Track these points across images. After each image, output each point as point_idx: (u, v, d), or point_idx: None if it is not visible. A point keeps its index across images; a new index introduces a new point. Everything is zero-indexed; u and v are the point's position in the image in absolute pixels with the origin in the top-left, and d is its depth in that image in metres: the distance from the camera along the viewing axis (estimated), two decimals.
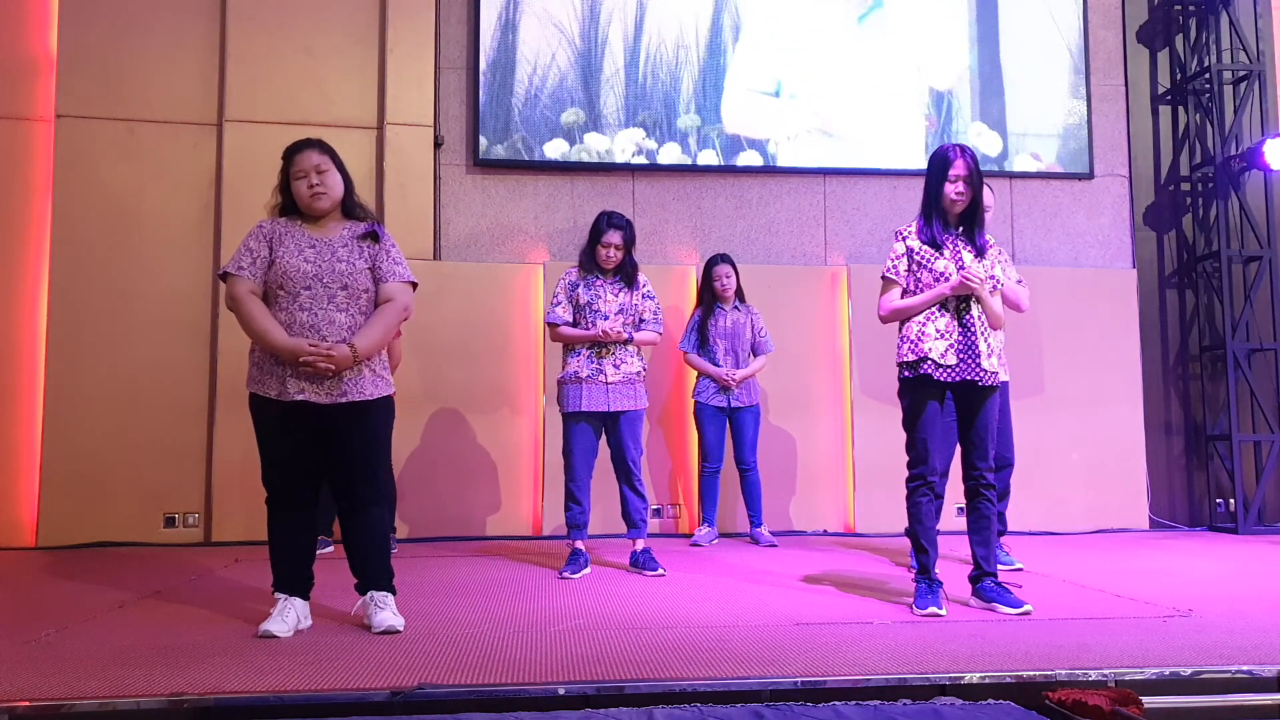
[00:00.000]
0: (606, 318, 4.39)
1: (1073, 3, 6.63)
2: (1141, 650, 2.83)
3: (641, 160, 6.19)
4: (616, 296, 4.43)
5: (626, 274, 4.47)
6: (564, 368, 4.45)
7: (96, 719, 2.34)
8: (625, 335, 4.38)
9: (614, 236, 4.41)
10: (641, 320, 4.48)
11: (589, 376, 4.36)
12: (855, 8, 6.43)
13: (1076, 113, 6.58)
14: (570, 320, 4.44)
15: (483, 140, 6.07)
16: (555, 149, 6.12)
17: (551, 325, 4.47)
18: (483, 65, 6.11)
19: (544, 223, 6.15)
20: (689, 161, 6.23)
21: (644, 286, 4.52)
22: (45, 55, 5.77)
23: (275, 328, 3.08)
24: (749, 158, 6.27)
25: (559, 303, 4.45)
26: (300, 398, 3.08)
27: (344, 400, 3.13)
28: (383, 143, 5.95)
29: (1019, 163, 6.48)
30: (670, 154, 6.20)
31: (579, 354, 4.41)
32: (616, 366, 4.38)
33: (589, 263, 4.47)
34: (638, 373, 4.44)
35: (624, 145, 6.18)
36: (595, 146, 6.15)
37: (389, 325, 3.20)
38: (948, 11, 6.50)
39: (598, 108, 6.18)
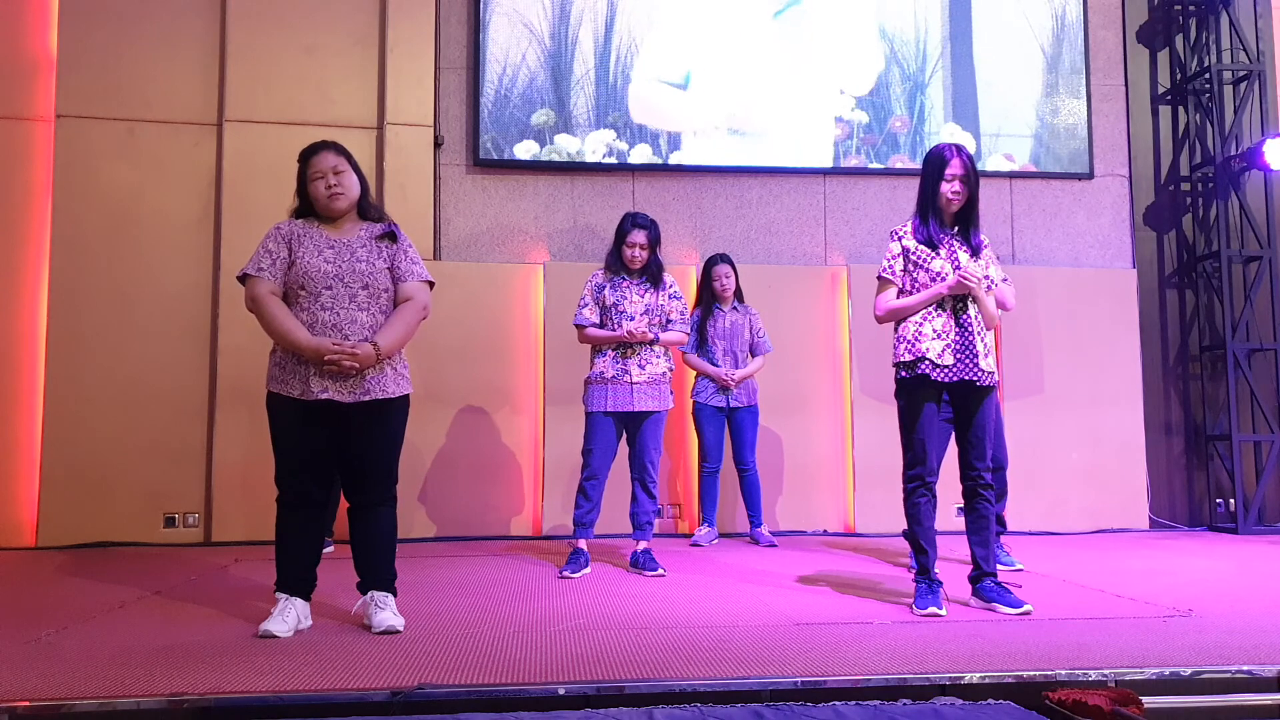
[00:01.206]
0: (632, 319, 4.41)
1: (1045, 3, 6.62)
2: (1141, 650, 2.83)
3: (612, 161, 6.17)
4: (642, 298, 4.45)
5: (652, 274, 4.50)
6: (591, 368, 4.49)
7: (96, 719, 2.35)
8: (650, 336, 4.40)
9: (638, 236, 4.44)
10: (669, 321, 4.50)
11: (614, 377, 4.39)
12: (771, 3, 6.39)
13: (1050, 112, 6.56)
14: (597, 322, 4.47)
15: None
16: (525, 150, 6.10)
17: (579, 327, 4.50)
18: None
19: (544, 223, 6.15)
20: (660, 162, 6.21)
21: (670, 287, 4.54)
22: (45, 55, 5.77)
23: (298, 328, 3.10)
24: (743, 150, 6.25)
25: (585, 304, 4.49)
26: (325, 396, 3.10)
27: (367, 399, 3.15)
28: (383, 143, 5.95)
29: (991, 163, 6.45)
30: (641, 155, 6.18)
31: (605, 355, 4.44)
32: (641, 367, 4.40)
33: (615, 264, 4.50)
34: (663, 374, 4.46)
35: (594, 146, 6.16)
36: (566, 147, 6.12)
37: (410, 323, 3.23)
38: (861, 14, 6.44)
39: (568, 108, 6.16)
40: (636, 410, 4.40)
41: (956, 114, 6.48)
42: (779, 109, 6.31)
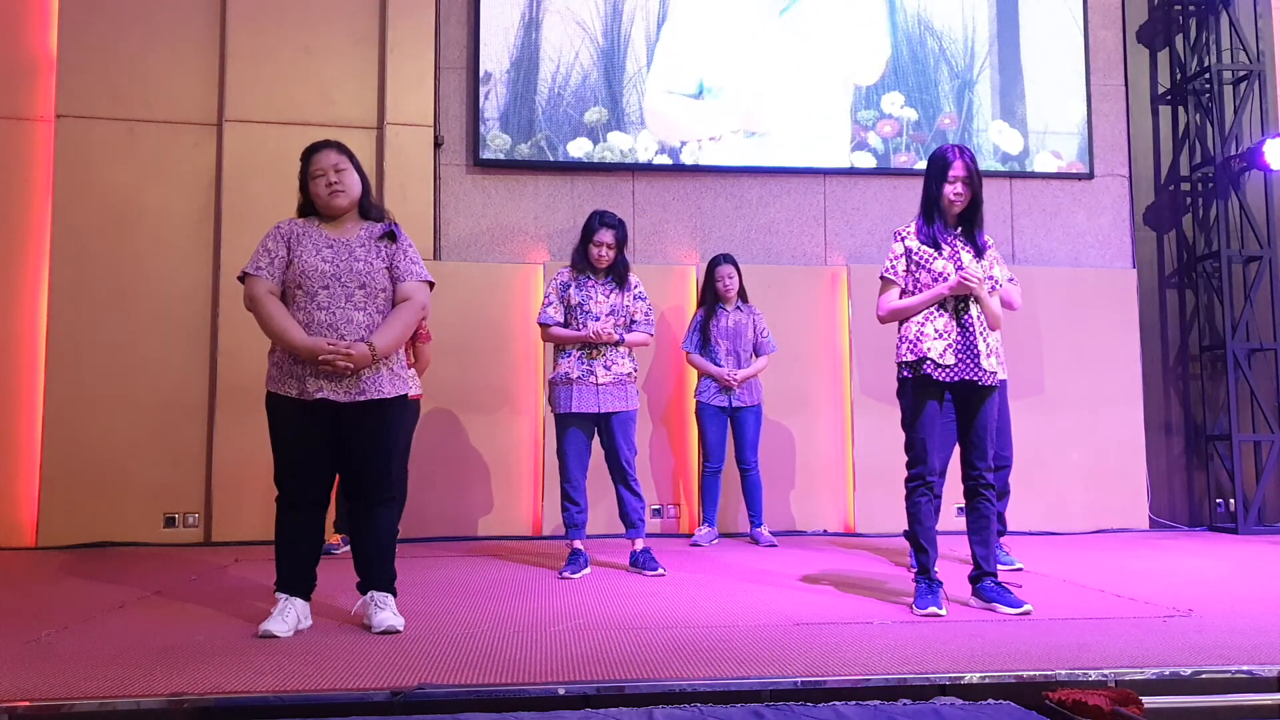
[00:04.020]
0: (597, 318, 4.39)
1: None
2: (1141, 650, 2.83)
3: (665, 159, 6.19)
4: (608, 297, 4.43)
5: (618, 274, 4.46)
6: (555, 368, 4.45)
7: (96, 719, 2.35)
8: (616, 336, 4.38)
9: (606, 235, 4.41)
10: (633, 321, 4.48)
11: (579, 377, 4.36)
12: (775, 3, 6.39)
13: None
14: (561, 321, 4.44)
15: (506, 139, 6.09)
16: (579, 148, 6.13)
17: (542, 326, 4.47)
18: (505, 64, 6.12)
19: (544, 223, 6.15)
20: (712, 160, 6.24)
21: (635, 287, 4.51)
22: (45, 55, 5.77)
23: (294, 327, 3.10)
24: (760, 152, 6.26)
25: (550, 303, 4.46)
26: (320, 396, 3.10)
27: (362, 399, 3.14)
28: (383, 143, 5.95)
29: (1040, 161, 6.49)
30: (692, 154, 6.22)
31: (569, 355, 4.41)
32: (607, 368, 4.38)
33: (581, 262, 4.47)
34: (628, 374, 4.44)
35: (646, 144, 6.18)
36: (619, 145, 6.15)
37: (407, 323, 3.23)
38: (867, 4, 6.46)
39: (621, 106, 6.19)
40: (603, 411, 4.37)
41: (1004, 111, 6.51)
42: (798, 108, 6.31)
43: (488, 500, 5.83)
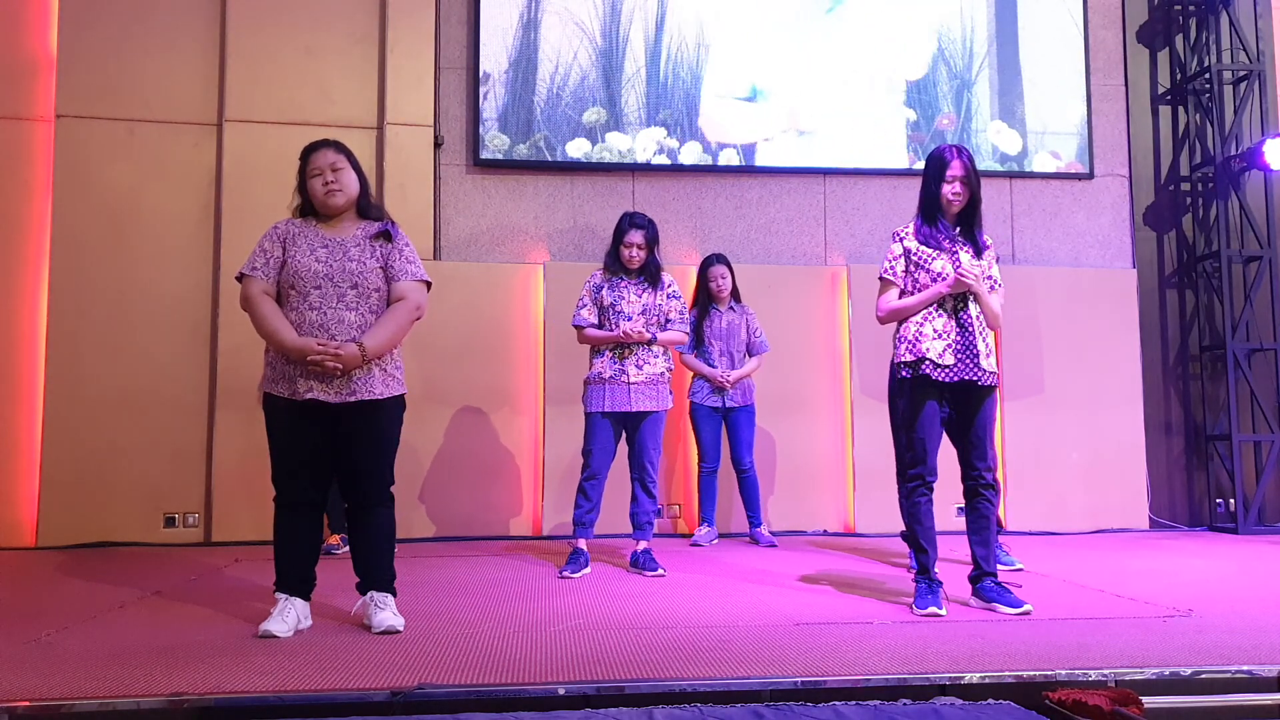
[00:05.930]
0: (629, 319, 4.41)
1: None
2: (1141, 650, 2.83)
3: (663, 160, 6.19)
4: (640, 297, 4.46)
5: (650, 274, 4.50)
6: (590, 368, 4.49)
7: (96, 719, 2.35)
8: (647, 336, 4.41)
9: (636, 236, 4.44)
10: (667, 320, 4.51)
11: (612, 377, 4.39)
12: (821, 2, 6.42)
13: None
14: (595, 322, 4.48)
15: (505, 139, 6.09)
16: (577, 148, 6.14)
17: (577, 328, 4.51)
18: (504, 64, 6.13)
19: (544, 223, 6.15)
20: (710, 161, 6.24)
21: (669, 286, 4.54)
22: (45, 55, 5.77)
23: (285, 328, 3.10)
24: (811, 152, 6.31)
25: (584, 305, 4.49)
26: (310, 396, 3.09)
27: (353, 399, 3.14)
28: (383, 143, 5.95)
29: (1038, 161, 6.49)
30: (691, 153, 6.22)
31: (603, 355, 4.45)
32: (639, 367, 4.40)
33: (613, 264, 4.51)
34: (661, 373, 4.46)
35: (645, 144, 6.19)
36: (617, 145, 6.16)
37: (400, 324, 3.21)
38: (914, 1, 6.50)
39: (619, 106, 6.20)
40: (634, 410, 4.40)
41: (1002, 112, 6.51)
42: (844, 108, 6.35)
43: (488, 500, 5.82)
